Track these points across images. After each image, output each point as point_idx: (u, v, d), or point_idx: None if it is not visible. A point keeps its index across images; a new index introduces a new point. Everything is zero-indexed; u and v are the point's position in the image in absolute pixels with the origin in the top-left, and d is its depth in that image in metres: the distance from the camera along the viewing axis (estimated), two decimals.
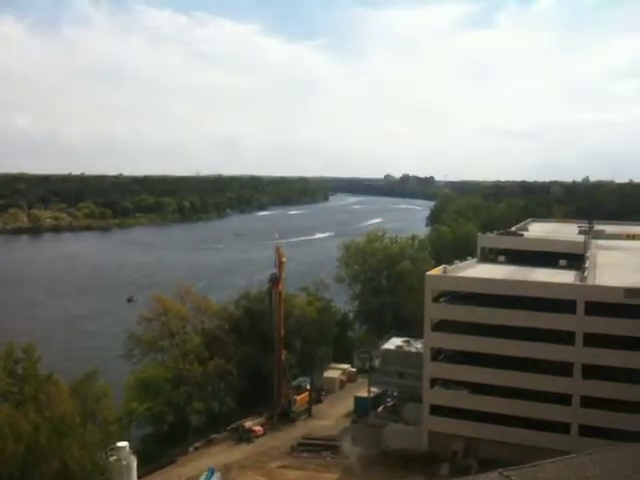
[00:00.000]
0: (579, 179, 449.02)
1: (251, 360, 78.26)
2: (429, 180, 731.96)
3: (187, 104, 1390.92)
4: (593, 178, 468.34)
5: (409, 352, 71.42)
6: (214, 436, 70.76)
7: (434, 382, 65.33)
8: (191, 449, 67.60)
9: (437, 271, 69.37)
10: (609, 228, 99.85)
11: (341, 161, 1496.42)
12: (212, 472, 58.43)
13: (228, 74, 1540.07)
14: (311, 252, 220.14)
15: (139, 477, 50.83)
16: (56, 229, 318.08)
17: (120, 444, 47.65)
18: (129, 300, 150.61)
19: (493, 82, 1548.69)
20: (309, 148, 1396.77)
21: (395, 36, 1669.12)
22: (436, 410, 64.27)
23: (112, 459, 46.43)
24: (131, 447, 48.91)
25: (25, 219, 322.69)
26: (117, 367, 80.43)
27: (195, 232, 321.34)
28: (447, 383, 65.10)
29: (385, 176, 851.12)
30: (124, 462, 46.28)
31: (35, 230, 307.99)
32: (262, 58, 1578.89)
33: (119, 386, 68.63)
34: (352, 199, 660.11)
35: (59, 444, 42.96)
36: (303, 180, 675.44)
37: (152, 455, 63.81)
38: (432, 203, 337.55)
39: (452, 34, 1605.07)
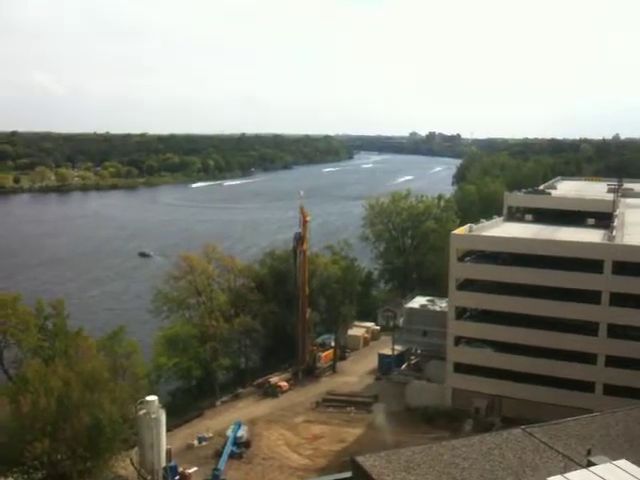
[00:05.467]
0: (609, 137, 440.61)
1: (276, 318, 79.09)
2: (455, 138, 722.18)
3: (210, 59, 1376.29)
4: (623, 136, 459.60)
5: (433, 311, 71.53)
6: (240, 391, 72.19)
7: (458, 340, 65.56)
8: (218, 403, 69.07)
9: (462, 230, 68.85)
10: (639, 187, 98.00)
11: (365, 119, 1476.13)
12: (239, 425, 59.86)
13: (251, 28, 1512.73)
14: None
15: (168, 430, 52.12)
16: (83, 188, 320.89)
17: (149, 398, 48.64)
18: (142, 255, 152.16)
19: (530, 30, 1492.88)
20: (333, 106, 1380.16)
21: None
22: (460, 368, 64.66)
23: (142, 413, 47.49)
24: (160, 401, 49.94)
25: (53, 178, 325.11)
26: (142, 325, 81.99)
27: (219, 191, 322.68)
28: (471, 341, 65.33)
29: (410, 134, 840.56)
30: (153, 415, 47.37)
31: (63, 189, 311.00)
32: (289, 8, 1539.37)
33: (144, 343, 69.82)
34: (377, 157, 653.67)
35: (90, 398, 43.99)
36: (327, 138, 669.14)
37: (180, 408, 65.52)
38: (458, 161, 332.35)
39: None
